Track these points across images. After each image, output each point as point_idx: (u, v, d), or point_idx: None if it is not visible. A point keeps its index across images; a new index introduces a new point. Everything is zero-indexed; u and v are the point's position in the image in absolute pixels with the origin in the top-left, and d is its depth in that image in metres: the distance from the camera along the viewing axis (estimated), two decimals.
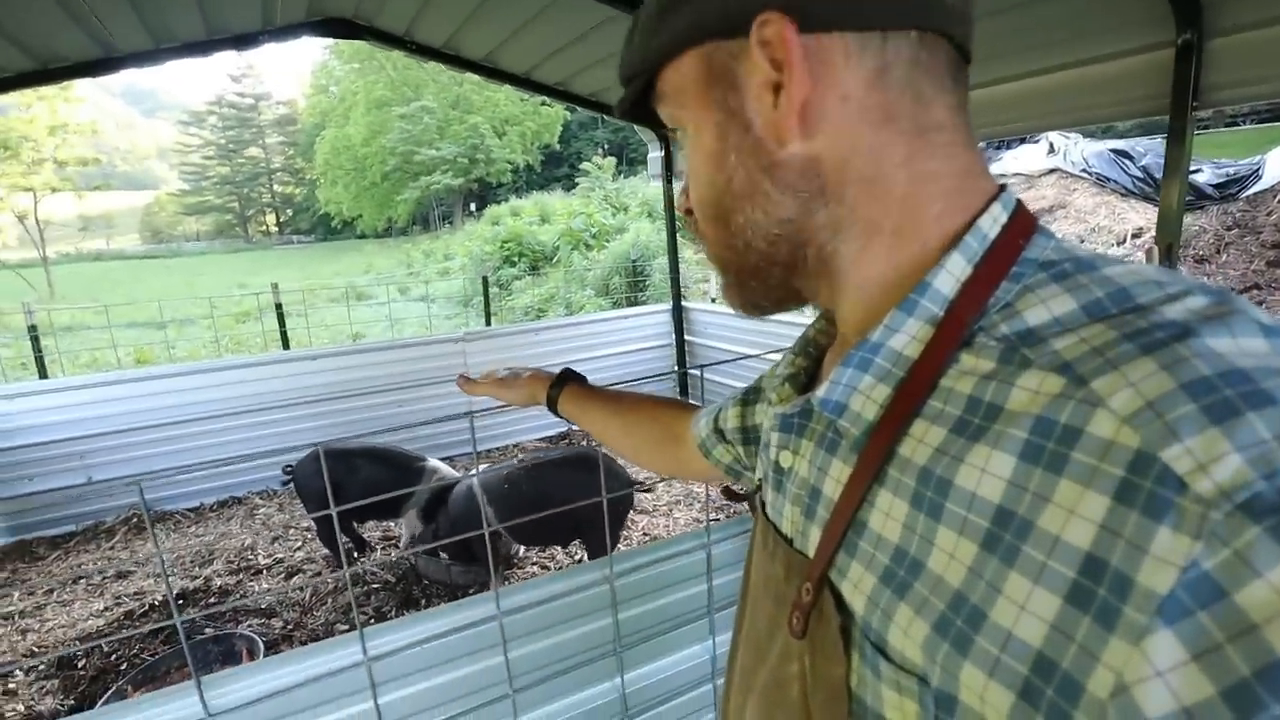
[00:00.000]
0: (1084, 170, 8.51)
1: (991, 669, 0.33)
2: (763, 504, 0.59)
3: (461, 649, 1.20)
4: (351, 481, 3.17)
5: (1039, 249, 0.41)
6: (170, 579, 3.30)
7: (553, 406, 1.04)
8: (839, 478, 0.46)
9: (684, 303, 5.36)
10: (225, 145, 50.44)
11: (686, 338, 5.40)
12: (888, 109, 0.42)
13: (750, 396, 0.76)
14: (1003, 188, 0.45)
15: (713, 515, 3.72)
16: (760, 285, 0.51)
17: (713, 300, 6.21)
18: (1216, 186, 6.97)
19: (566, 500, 2.50)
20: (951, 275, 0.41)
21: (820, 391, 0.46)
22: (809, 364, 0.59)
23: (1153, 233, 7.25)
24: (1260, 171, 6.99)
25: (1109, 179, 8.16)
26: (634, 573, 1.36)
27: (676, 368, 5.40)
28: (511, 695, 1.24)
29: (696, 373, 5.32)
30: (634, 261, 8.92)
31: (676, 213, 0.63)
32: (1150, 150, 7.97)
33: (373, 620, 2.87)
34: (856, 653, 0.43)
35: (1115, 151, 8.19)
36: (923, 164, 0.43)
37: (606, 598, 1.32)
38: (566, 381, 1.05)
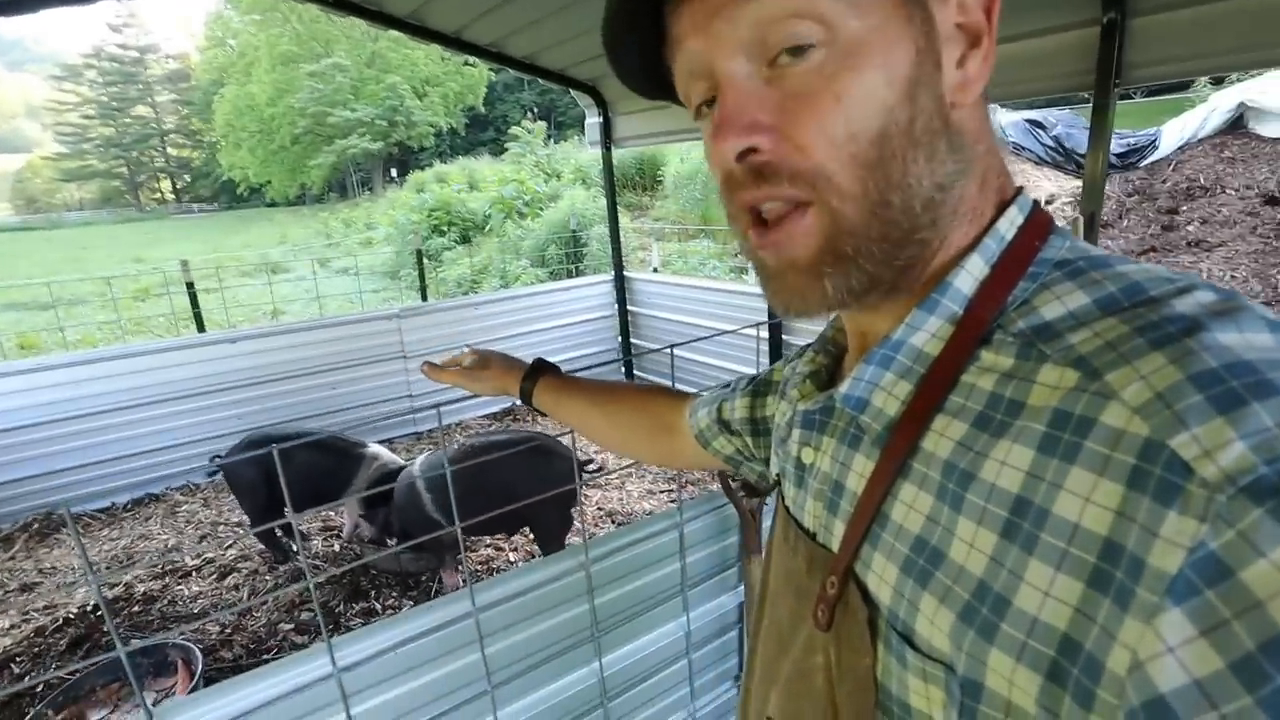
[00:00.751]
0: (999, 139, 8.85)
1: (1019, 653, 0.34)
2: (782, 498, 0.59)
3: (436, 650, 1.15)
4: (286, 470, 3.00)
5: (1055, 249, 0.42)
6: (86, 588, 3.07)
7: (526, 398, 1.01)
8: (862, 472, 0.46)
9: (625, 272, 5.31)
10: (108, 103, 45.97)
11: (629, 308, 5.36)
12: (986, 99, 0.43)
13: (761, 388, 0.75)
14: (1020, 190, 0.46)
15: (668, 489, 3.74)
16: (898, 262, 0.42)
17: (655, 270, 6.18)
18: (1119, 156, 7.40)
19: (511, 488, 2.45)
20: (971, 275, 0.43)
21: (843, 388, 0.47)
22: (830, 362, 0.59)
23: (1063, 199, 7.66)
24: (1157, 142, 7.46)
25: (1023, 148, 8.55)
26: (609, 557, 1.34)
27: (647, 344, 5.36)
28: (490, 691, 1.21)
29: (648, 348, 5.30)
30: (574, 231, 8.73)
31: (716, 159, 0.44)
32: (1061, 121, 8.38)
33: (318, 615, 2.76)
34: (881, 643, 0.43)
35: (1030, 121, 8.57)
36: (995, 159, 0.44)
37: (582, 585, 1.30)
38: (540, 372, 1.01)
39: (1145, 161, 7.42)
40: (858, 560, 0.45)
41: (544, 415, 1.06)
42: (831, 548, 0.49)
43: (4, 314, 11.17)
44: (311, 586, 0.96)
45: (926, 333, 0.44)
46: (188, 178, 48.36)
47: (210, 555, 3.30)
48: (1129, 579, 0.30)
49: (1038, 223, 0.44)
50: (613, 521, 3.43)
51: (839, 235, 0.41)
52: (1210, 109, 7.28)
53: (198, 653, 2.35)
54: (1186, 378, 0.31)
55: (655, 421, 0.90)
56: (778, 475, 0.63)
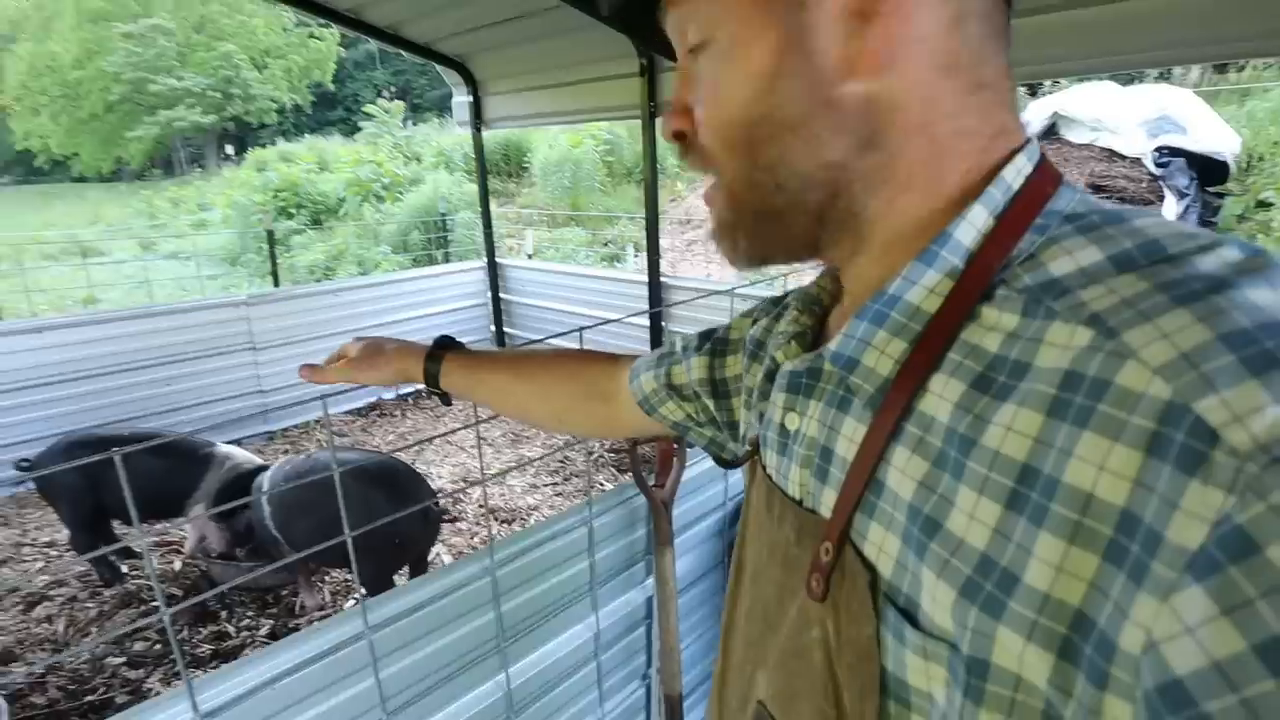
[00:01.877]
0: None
1: (1029, 632, 0.32)
2: (763, 468, 0.55)
3: (320, 681, 1.01)
4: (115, 476, 2.60)
5: (1064, 201, 0.40)
6: None
7: (432, 381, 0.90)
8: (852, 436, 0.44)
9: (498, 259, 5.12)
10: None
11: (503, 296, 5.17)
12: (953, 59, 0.40)
13: (719, 347, 0.70)
14: (1029, 140, 0.43)
15: (552, 482, 3.63)
16: (779, 232, 0.46)
17: (529, 256, 6.02)
18: None
19: (363, 520, 2.18)
20: (973, 226, 0.40)
21: (832, 345, 0.45)
22: (814, 322, 0.56)
23: None
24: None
25: None
26: (515, 559, 1.24)
27: (494, 327, 5.16)
28: (385, 718, 1.08)
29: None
30: (443, 215, 8.31)
31: (659, 134, 0.61)
32: None
33: (159, 645, 2.41)
34: (878, 616, 0.41)
35: None
36: (965, 120, 0.41)
37: (486, 593, 1.19)
38: (445, 351, 0.90)
39: None
40: (851, 528, 0.43)
41: (445, 401, 0.93)
42: (823, 514, 0.46)
43: None
44: (166, 620, 0.79)
45: (924, 287, 0.41)
46: None
47: (13, 583, 2.80)
48: (1145, 553, 0.28)
49: (1046, 173, 0.41)
50: (497, 519, 3.28)
51: (730, 206, 0.47)
52: (1029, 116, 8.16)
53: (2, 703, 1.97)
54: (1216, 337, 0.28)
55: (590, 389, 0.83)
56: (753, 444, 0.59)
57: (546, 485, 3.59)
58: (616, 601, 1.47)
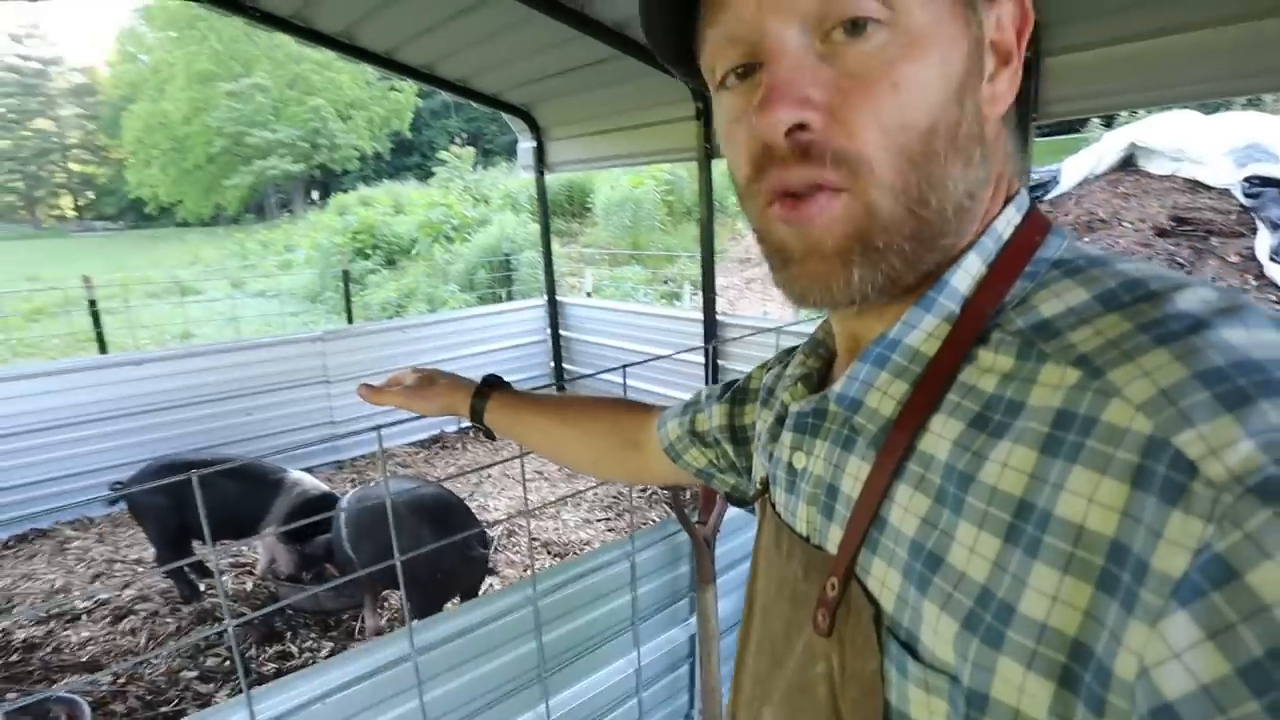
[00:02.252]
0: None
1: (1029, 661, 0.33)
2: (773, 505, 0.57)
3: (368, 699, 1.05)
4: (198, 498, 2.77)
5: (1053, 248, 0.42)
6: None
7: (477, 417, 0.94)
8: (856, 475, 0.45)
9: (558, 297, 5.25)
10: (5, 115, 42.96)
11: (562, 333, 5.29)
12: (1009, 111, 0.44)
13: (739, 396, 0.73)
14: (1018, 190, 0.46)
15: (613, 516, 3.66)
16: (911, 259, 0.41)
17: (588, 295, 6.15)
18: (1029, 189, 7.87)
19: (404, 547, 2.26)
20: (968, 274, 0.42)
21: (837, 387, 0.46)
22: (820, 365, 0.58)
23: None
24: (1058, 178, 8.02)
25: None
26: (558, 590, 1.26)
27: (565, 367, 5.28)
28: None
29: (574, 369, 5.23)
30: (506, 255, 8.61)
31: (771, 125, 0.39)
32: None
33: (228, 663, 2.53)
34: (881, 650, 0.42)
35: None
36: (1006, 166, 0.45)
37: (528, 622, 1.22)
38: (492, 389, 0.95)
39: (1048, 196, 7.95)
40: (856, 564, 0.44)
41: (490, 436, 0.98)
42: (829, 550, 0.47)
43: None
44: (231, 632, 0.85)
45: (923, 331, 0.43)
46: (91, 194, 45.34)
47: (104, 596, 3.00)
48: (1135, 581, 0.29)
49: (1035, 223, 0.43)
50: (549, 553, 3.32)
51: (872, 227, 0.40)
52: (1104, 148, 7.88)
53: (85, 707, 2.10)
54: (1192, 374, 0.30)
55: (623, 437, 0.85)
56: (763, 483, 0.60)
57: (600, 520, 3.61)
58: (659, 638, 1.47)
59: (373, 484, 2.69)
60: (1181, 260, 6.32)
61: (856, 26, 0.38)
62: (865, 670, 0.42)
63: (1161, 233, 6.65)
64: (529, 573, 1.20)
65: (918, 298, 0.43)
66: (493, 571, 3.00)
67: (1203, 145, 7.11)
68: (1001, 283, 0.41)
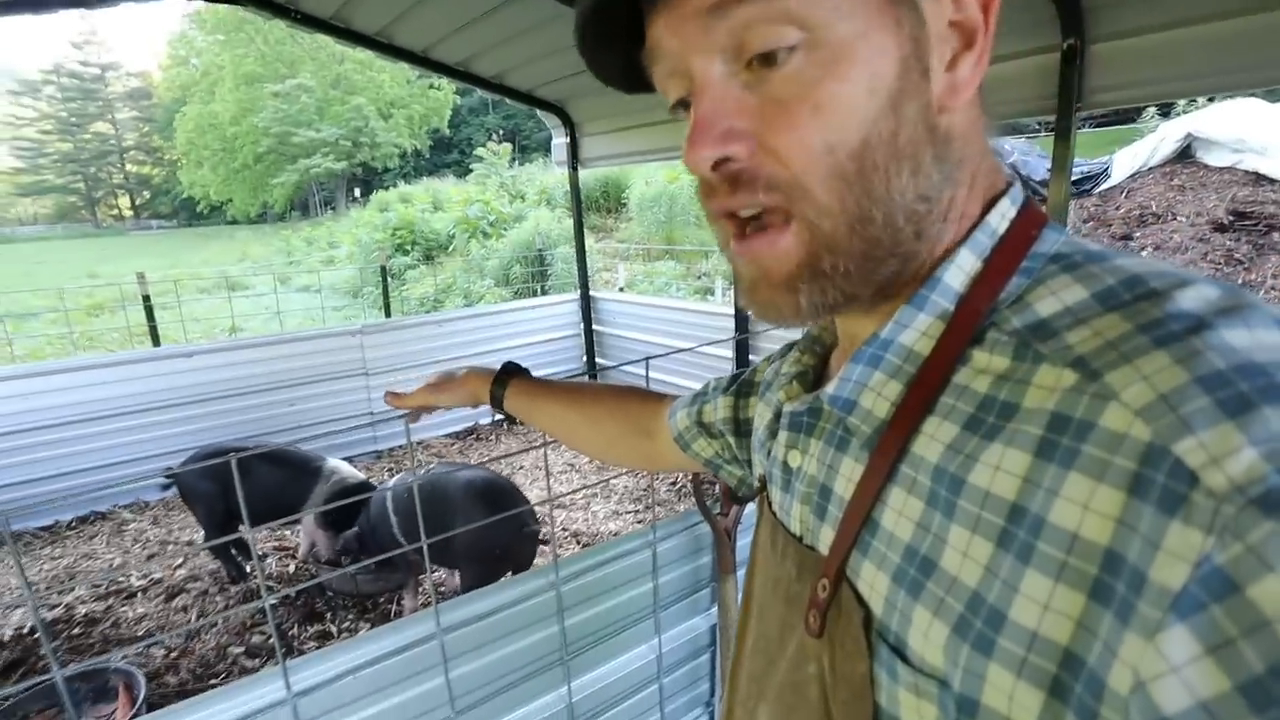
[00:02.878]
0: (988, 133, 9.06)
1: (1019, 669, 0.32)
2: (769, 503, 0.57)
3: (398, 674, 1.10)
4: (243, 483, 2.89)
5: (1049, 243, 0.41)
6: (23, 609, 2.90)
7: (498, 404, 0.97)
8: (850, 476, 0.45)
9: (591, 291, 5.30)
10: (67, 119, 44.82)
11: (595, 328, 5.34)
12: (981, 97, 0.41)
13: (744, 389, 0.73)
14: (1010, 183, 0.44)
15: (642, 509, 3.69)
16: (874, 276, 0.41)
17: (621, 290, 6.18)
18: (1074, 183, 7.66)
19: (461, 526, 2.38)
20: (961, 270, 0.41)
21: (830, 389, 0.45)
22: (816, 362, 0.57)
23: None
24: (1109, 170, 7.76)
25: None
26: (579, 577, 1.29)
27: (586, 359, 5.33)
28: (454, 718, 1.15)
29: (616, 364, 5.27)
30: (540, 251, 8.70)
31: (691, 164, 0.41)
32: (1016, 149, 8.67)
33: (273, 640, 2.63)
34: (872, 654, 0.42)
35: None
36: (985, 160, 0.42)
37: (551, 606, 1.26)
38: (510, 376, 0.97)
39: (1099, 189, 7.70)
40: (848, 566, 0.44)
41: (511, 421, 1.01)
42: (821, 551, 0.47)
43: None
44: (267, 607, 0.91)
45: (916, 330, 0.42)
46: (147, 194, 47.17)
47: (158, 575, 3.15)
48: (1130, 592, 0.28)
49: (1031, 217, 0.42)
50: (578, 542, 3.37)
51: (818, 251, 0.40)
52: (1159, 139, 7.59)
53: (140, 677, 2.22)
54: (1193, 379, 0.29)
55: (635, 425, 0.87)
56: (761, 481, 0.60)
57: (629, 512, 3.65)
58: (681, 626, 1.49)
59: (421, 470, 2.77)
60: (1240, 257, 6.07)
61: (777, 56, 0.37)
62: (855, 673, 0.42)
63: (1219, 227, 6.39)
64: (553, 559, 1.23)
65: (910, 296, 0.42)
66: (545, 542, 3.07)
67: (1266, 135, 6.80)
68: (997, 279, 0.40)
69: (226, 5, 3.18)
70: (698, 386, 0.80)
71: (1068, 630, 0.30)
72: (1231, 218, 6.45)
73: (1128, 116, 10.26)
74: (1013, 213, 0.42)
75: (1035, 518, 0.32)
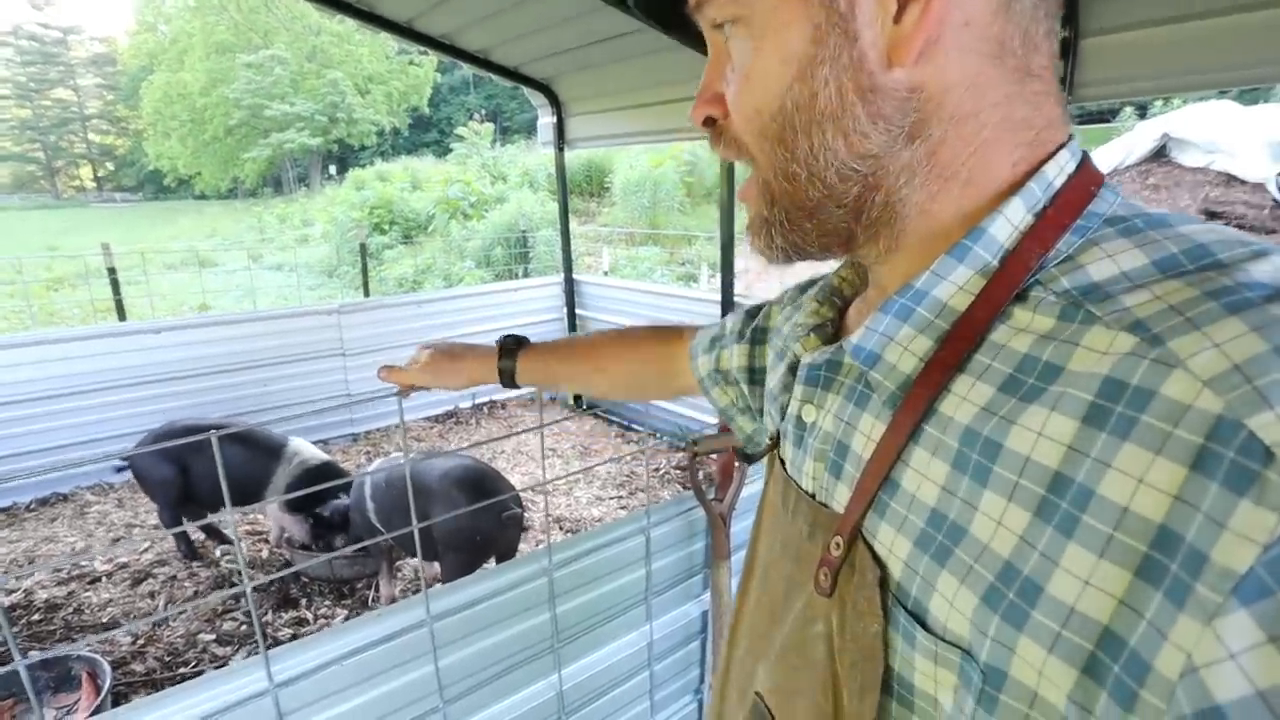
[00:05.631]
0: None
1: (1052, 644, 0.31)
2: (780, 461, 0.56)
3: (385, 662, 1.05)
4: (200, 463, 2.82)
5: (1106, 203, 0.39)
6: None
7: (508, 379, 0.93)
8: (869, 434, 0.43)
9: (575, 275, 5.23)
10: (25, 84, 43.13)
11: (578, 311, 5.28)
12: (1002, 44, 0.38)
13: (758, 336, 0.70)
14: (1071, 136, 0.41)
15: (617, 494, 3.66)
16: (813, 226, 0.44)
17: (605, 273, 6.13)
18: None
19: (440, 515, 2.34)
20: (1010, 222, 0.39)
21: (854, 338, 0.44)
22: (834, 315, 0.55)
23: None
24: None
25: None
26: (572, 563, 1.26)
27: None
28: (442, 707, 1.12)
29: None
30: (523, 232, 8.60)
31: (691, 120, 0.47)
32: None
33: (244, 626, 2.57)
34: (885, 617, 0.41)
35: None
36: (1015, 109, 0.39)
37: (543, 593, 1.22)
38: (516, 349, 0.93)
39: None
40: (864, 526, 0.42)
41: (514, 388, 0.95)
42: (835, 509, 0.46)
43: None
44: (248, 594, 0.86)
45: (953, 284, 0.40)
46: (110, 165, 45.63)
47: (123, 560, 3.05)
48: (1186, 573, 0.27)
49: (1089, 174, 0.40)
50: (561, 528, 3.33)
51: (767, 199, 0.44)
52: (1137, 138, 7.70)
53: (106, 666, 2.15)
54: (1273, 348, 0.27)
55: (656, 369, 0.87)
56: (773, 438, 0.59)
57: (611, 498, 3.62)
58: (672, 613, 1.47)
59: (403, 456, 2.71)
60: None
61: (719, 29, 0.43)
62: (866, 633, 0.41)
63: None
64: (543, 545, 1.19)
65: (950, 246, 0.40)
66: (527, 528, 3.02)
67: (1239, 137, 6.94)
68: (1049, 234, 0.38)
69: None
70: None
71: (1109, 608, 0.29)
72: (1204, 217, 6.58)
73: (1104, 115, 10.38)
74: (1072, 166, 0.40)
75: (1081, 488, 0.31)
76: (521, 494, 3.51)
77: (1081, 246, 0.37)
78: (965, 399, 0.37)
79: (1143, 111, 9.03)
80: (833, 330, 0.54)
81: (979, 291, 0.39)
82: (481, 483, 2.42)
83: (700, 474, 1.41)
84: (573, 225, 5.17)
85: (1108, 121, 10.28)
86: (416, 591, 2.79)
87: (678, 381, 0.85)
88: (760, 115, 0.42)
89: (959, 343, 0.39)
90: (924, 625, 0.38)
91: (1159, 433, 0.28)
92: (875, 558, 0.41)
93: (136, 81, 31.75)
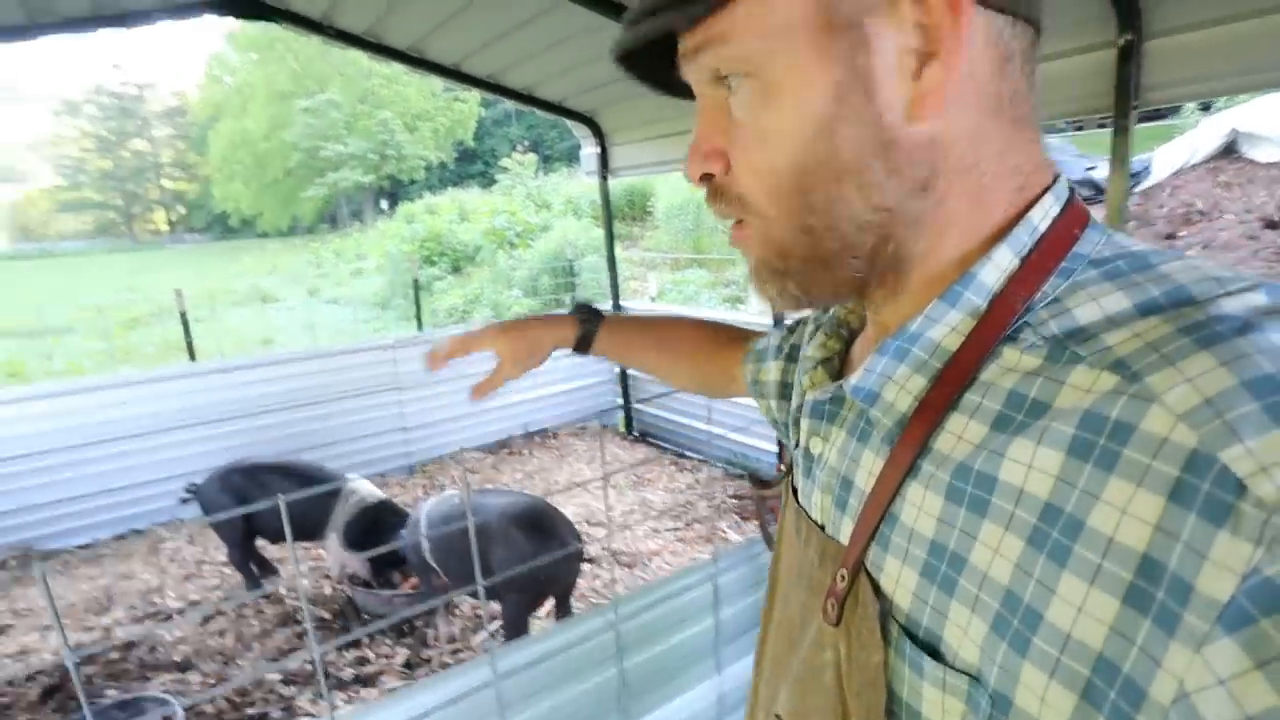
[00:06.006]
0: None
1: (1052, 670, 0.32)
2: (794, 490, 0.57)
3: None
4: (262, 499, 2.89)
5: (1090, 244, 0.40)
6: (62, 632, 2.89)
7: (586, 345, 0.88)
8: (870, 469, 0.45)
9: (622, 301, 5.23)
10: (106, 137, 46.28)
11: None
12: (1000, 98, 0.40)
13: (793, 353, 0.71)
14: (1056, 177, 0.43)
15: (674, 527, 3.60)
16: (828, 277, 0.44)
17: (652, 299, 6.12)
18: None
19: (506, 555, 2.32)
20: (998, 267, 0.40)
21: (853, 379, 0.45)
22: (841, 347, 0.57)
23: None
24: (1150, 168, 7.54)
25: None
26: (639, 615, 1.22)
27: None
28: None
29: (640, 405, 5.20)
30: (570, 261, 8.72)
31: (688, 177, 0.48)
32: (1050, 147, 8.43)
33: (309, 666, 2.59)
34: (891, 647, 0.42)
35: None
36: (1009, 158, 0.41)
37: (609, 647, 1.18)
38: (596, 318, 0.88)
39: (1140, 187, 7.47)
40: (867, 558, 0.44)
41: (583, 354, 0.90)
42: (841, 541, 0.47)
43: None
44: (317, 656, 0.84)
45: (945, 325, 0.41)
46: (181, 209, 48.37)
47: (195, 596, 3.13)
48: (1174, 602, 0.28)
49: (1074, 216, 0.41)
50: (619, 562, 3.29)
51: (770, 251, 0.44)
52: (1201, 135, 7.34)
53: (179, 709, 2.19)
54: (1239, 383, 0.28)
55: (720, 369, 0.87)
56: (788, 466, 0.60)
57: (668, 530, 3.56)
58: (742, 662, 1.41)
59: (457, 496, 2.71)
60: None
61: (722, 81, 0.42)
62: (870, 663, 0.42)
63: (1271, 224, 6.15)
64: (604, 586, 1.15)
65: (943, 290, 0.41)
66: (589, 560, 2.98)
67: None
68: (1034, 278, 0.39)
69: (263, 23, 3.18)
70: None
71: (1100, 635, 0.30)
72: None
73: (1162, 112, 9.95)
74: (1056, 210, 0.41)
75: (1070, 519, 0.32)
76: (578, 525, 3.49)
77: (1068, 289, 0.38)
78: (960, 437, 0.38)
79: (1206, 106, 8.62)
80: (839, 363, 0.56)
81: (969, 332, 0.40)
82: (541, 521, 2.40)
83: (766, 505, 1.35)
84: (617, 251, 5.18)
85: (1165, 118, 9.85)
86: (476, 629, 2.79)
87: (734, 386, 0.85)
88: (776, 174, 0.41)
89: (951, 382, 0.40)
90: (936, 655, 0.39)
91: (1139, 465, 0.30)
92: (878, 590, 0.43)
93: (205, 130, 33.67)
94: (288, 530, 0.84)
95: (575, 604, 2.82)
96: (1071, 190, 0.42)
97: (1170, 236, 6.62)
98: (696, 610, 1.30)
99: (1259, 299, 0.32)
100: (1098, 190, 7.56)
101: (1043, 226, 0.41)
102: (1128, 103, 2.14)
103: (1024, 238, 0.40)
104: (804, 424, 0.53)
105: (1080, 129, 10.30)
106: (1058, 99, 2.32)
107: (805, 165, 0.40)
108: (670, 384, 0.93)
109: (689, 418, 4.60)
